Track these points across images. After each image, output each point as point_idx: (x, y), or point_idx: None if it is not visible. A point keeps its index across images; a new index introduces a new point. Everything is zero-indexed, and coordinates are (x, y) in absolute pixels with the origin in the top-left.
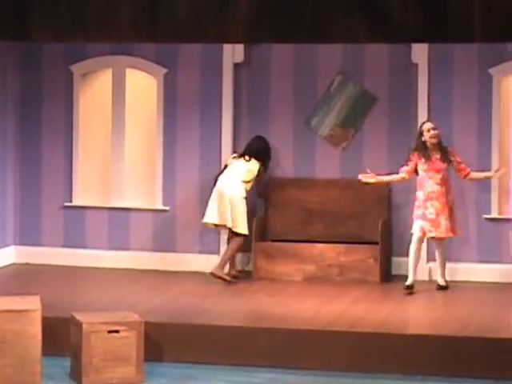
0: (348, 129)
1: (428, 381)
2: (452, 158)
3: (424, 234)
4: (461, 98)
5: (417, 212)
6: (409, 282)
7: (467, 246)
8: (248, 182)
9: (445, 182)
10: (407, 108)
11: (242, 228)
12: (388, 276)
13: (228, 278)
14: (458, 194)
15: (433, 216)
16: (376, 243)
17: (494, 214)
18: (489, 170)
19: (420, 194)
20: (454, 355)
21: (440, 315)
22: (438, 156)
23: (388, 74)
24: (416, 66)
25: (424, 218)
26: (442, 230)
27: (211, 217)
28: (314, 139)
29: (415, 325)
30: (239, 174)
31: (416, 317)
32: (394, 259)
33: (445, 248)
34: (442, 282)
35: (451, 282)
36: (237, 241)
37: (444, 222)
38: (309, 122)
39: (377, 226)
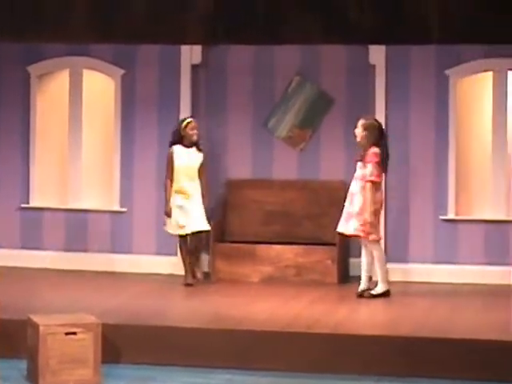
0: (306, 130)
1: (384, 381)
2: (368, 160)
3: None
4: (418, 99)
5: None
6: (360, 288)
7: (423, 247)
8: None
9: (365, 182)
10: (365, 109)
11: (168, 225)
12: (345, 277)
13: (191, 281)
14: (414, 194)
15: (349, 210)
16: (333, 244)
17: (451, 215)
18: (446, 169)
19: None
20: (410, 356)
21: (396, 316)
22: (364, 154)
23: (346, 74)
24: (373, 67)
25: (344, 214)
26: (350, 228)
27: None
28: (272, 140)
29: (372, 326)
30: None
31: (373, 318)
32: (352, 260)
33: (370, 250)
34: (374, 290)
35: (407, 282)
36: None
37: (356, 220)
38: (267, 123)
39: (334, 228)
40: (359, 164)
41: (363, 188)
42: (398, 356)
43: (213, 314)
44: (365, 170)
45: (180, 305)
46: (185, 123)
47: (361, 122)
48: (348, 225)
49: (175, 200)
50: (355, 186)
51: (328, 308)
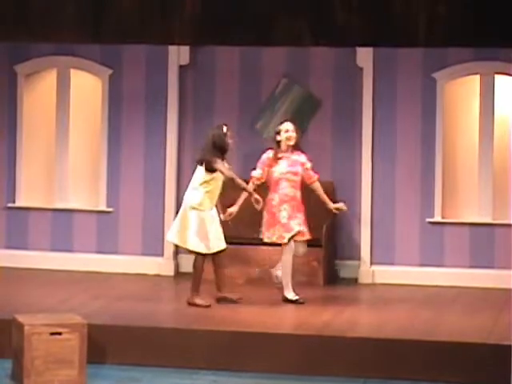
0: None
1: (370, 383)
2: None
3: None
4: (405, 101)
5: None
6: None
7: (409, 250)
8: (207, 189)
9: (300, 186)
10: (352, 111)
11: (190, 243)
12: (331, 279)
13: (204, 303)
14: (401, 196)
15: (285, 220)
16: (320, 246)
17: (437, 218)
18: (433, 172)
19: (275, 197)
20: (396, 358)
21: (382, 318)
22: (295, 158)
23: (333, 77)
24: (361, 69)
25: (277, 222)
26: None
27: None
28: (259, 141)
29: (358, 328)
30: (194, 180)
31: (359, 320)
32: (338, 262)
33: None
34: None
35: (393, 285)
36: (195, 260)
37: (298, 225)
38: (254, 125)
39: (321, 229)
40: (291, 169)
41: (296, 191)
42: (384, 358)
43: (198, 315)
44: (300, 172)
45: (165, 305)
46: (225, 131)
47: (292, 126)
48: (306, 230)
49: (209, 215)
50: (292, 191)
51: (314, 309)
